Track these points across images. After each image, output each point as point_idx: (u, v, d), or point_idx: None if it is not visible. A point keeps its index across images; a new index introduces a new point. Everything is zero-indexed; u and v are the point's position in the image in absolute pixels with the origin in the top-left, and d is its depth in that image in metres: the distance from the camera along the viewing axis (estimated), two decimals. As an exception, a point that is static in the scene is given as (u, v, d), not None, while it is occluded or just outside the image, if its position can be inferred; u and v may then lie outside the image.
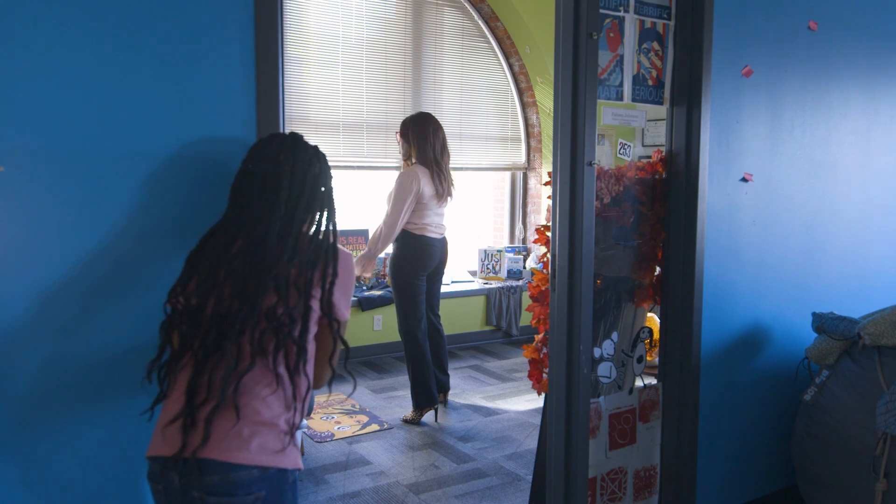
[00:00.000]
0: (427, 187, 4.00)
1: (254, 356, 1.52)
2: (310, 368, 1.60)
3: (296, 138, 1.70)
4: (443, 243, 4.20)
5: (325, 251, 1.62)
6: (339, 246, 1.68)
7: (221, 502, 1.47)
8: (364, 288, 5.61)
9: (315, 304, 1.59)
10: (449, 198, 4.13)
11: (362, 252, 4.17)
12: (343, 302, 1.66)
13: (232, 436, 1.47)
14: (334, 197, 1.70)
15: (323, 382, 1.69)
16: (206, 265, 1.56)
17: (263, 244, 1.55)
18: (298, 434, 1.65)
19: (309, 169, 1.65)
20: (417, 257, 4.07)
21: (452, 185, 4.15)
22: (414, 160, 4.04)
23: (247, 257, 1.55)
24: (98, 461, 1.78)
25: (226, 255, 1.56)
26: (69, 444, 1.74)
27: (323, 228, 1.65)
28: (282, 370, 1.54)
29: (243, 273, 1.53)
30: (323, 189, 1.67)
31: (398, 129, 4.11)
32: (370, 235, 4.20)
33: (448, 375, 4.48)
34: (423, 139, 3.99)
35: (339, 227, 1.69)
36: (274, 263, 1.53)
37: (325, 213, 1.67)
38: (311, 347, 1.61)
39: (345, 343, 1.66)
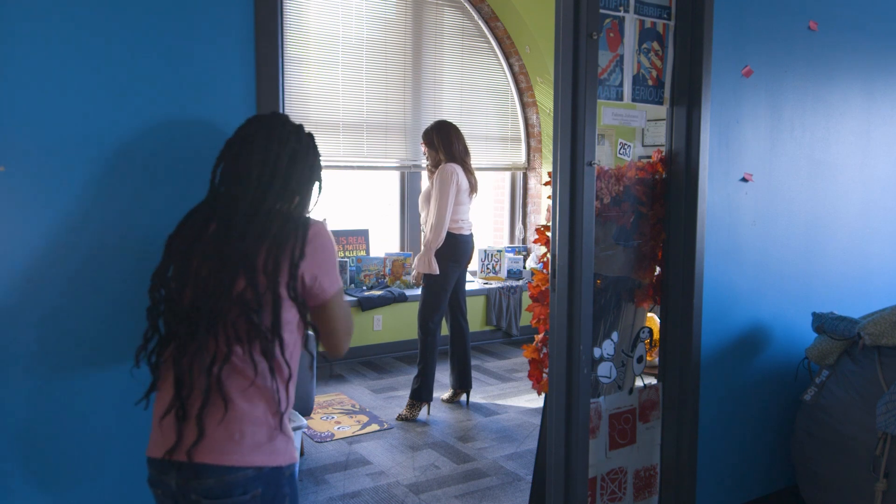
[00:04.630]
0: (463, 180, 4.24)
1: (230, 344, 1.48)
2: (290, 354, 1.54)
3: (276, 117, 1.63)
4: (472, 238, 4.44)
5: (296, 230, 1.52)
6: (312, 218, 1.59)
7: None
8: (364, 288, 5.61)
9: (284, 289, 1.51)
10: (475, 193, 4.39)
11: (420, 254, 4.27)
12: (326, 280, 1.56)
13: (224, 438, 1.47)
14: (315, 175, 1.63)
15: (340, 350, 1.65)
16: (183, 249, 1.53)
17: (232, 226, 1.50)
18: (298, 434, 1.64)
19: (284, 147, 1.57)
20: (456, 256, 4.29)
21: (476, 181, 4.40)
22: (443, 161, 4.23)
23: (218, 241, 1.50)
24: (100, 459, 1.78)
25: (200, 239, 1.52)
26: (70, 441, 1.75)
27: (304, 207, 1.60)
28: (258, 357, 1.49)
29: (214, 258, 1.48)
30: (301, 167, 1.60)
31: (422, 141, 4.32)
32: (423, 239, 4.31)
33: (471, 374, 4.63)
34: (447, 142, 4.24)
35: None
36: (241, 245, 1.48)
37: (306, 192, 1.61)
38: (290, 334, 1.54)
39: (316, 329, 1.60)
